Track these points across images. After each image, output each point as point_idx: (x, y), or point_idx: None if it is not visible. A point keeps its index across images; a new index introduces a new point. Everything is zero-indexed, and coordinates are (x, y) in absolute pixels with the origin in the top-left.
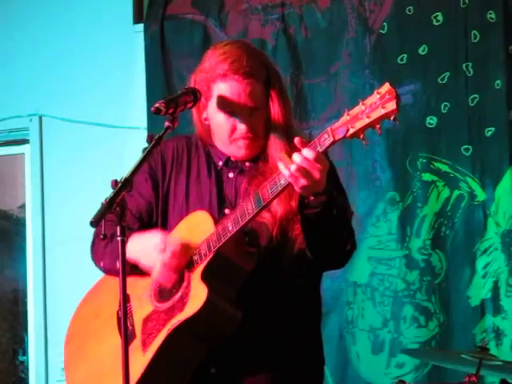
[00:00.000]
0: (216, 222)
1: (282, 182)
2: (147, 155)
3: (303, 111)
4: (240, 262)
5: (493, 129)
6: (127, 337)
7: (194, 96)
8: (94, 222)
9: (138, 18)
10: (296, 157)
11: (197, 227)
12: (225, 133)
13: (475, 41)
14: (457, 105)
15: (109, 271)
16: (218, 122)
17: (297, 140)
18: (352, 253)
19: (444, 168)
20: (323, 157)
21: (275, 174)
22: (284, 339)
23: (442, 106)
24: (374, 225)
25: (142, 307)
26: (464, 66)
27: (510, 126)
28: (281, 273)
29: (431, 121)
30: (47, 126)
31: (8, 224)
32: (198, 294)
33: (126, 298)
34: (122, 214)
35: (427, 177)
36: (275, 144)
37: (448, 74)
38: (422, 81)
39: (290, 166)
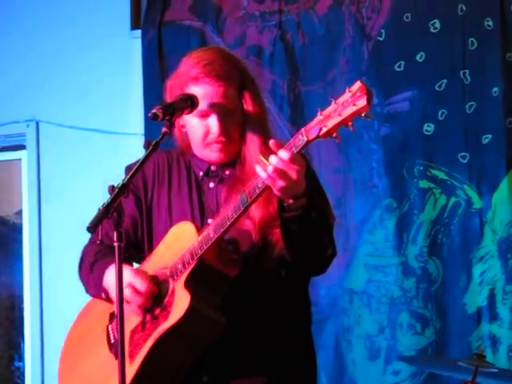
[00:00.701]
0: (199, 230)
1: (260, 185)
2: (145, 160)
3: (300, 118)
4: (223, 268)
5: (490, 136)
6: (123, 349)
7: (191, 102)
8: (91, 228)
9: (135, 24)
10: (272, 158)
11: (181, 237)
12: (199, 137)
13: (472, 48)
14: (454, 112)
15: (96, 297)
16: (192, 126)
17: (271, 142)
18: (332, 258)
19: (441, 175)
20: (299, 157)
21: (253, 178)
22: (274, 344)
23: (439, 114)
24: (371, 232)
25: (130, 320)
26: (461, 73)
27: (507, 134)
28: (264, 278)
29: (428, 128)
30: (44, 131)
31: (4, 230)
32: (181, 302)
33: (122, 307)
34: (119, 220)
35: (424, 184)
36: (251, 147)
37: (445, 81)
38: (419, 88)
39: (267, 167)
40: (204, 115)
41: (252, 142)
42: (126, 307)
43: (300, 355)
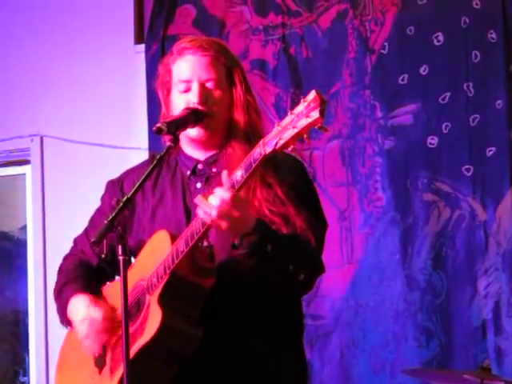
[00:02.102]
0: (174, 240)
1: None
2: (149, 174)
3: None
4: (197, 280)
5: (494, 149)
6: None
7: (195, 115)
8: (96, 242)
9: (139, 39)
10: (213, 200)
11: (157, 248)
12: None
13: (476, 61)
14: (458, 125)
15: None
16: (174, 103)
17: (223, 174)
18: (310, 281)
19: (445, 188)
20: (239, 195)
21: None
22: (261, 354)
23: (443, 126)
24: (375, 245)
25: (113, 334)
26: (465, 85)
27: (511, 146)
28: (246, 285)
29: (432, 141)
30: (48, 146)
31: (9, 245)
32: (154, 318)
33: (127, 325)
34: (124, 233)
35: (428, 197)
36: (238, 141)
37: (449, 93)
38: (422, 101)
39: (209, 211)
40: (186, 90)
41: (236, 143)
42: (85, 344)
43: (290, 365)
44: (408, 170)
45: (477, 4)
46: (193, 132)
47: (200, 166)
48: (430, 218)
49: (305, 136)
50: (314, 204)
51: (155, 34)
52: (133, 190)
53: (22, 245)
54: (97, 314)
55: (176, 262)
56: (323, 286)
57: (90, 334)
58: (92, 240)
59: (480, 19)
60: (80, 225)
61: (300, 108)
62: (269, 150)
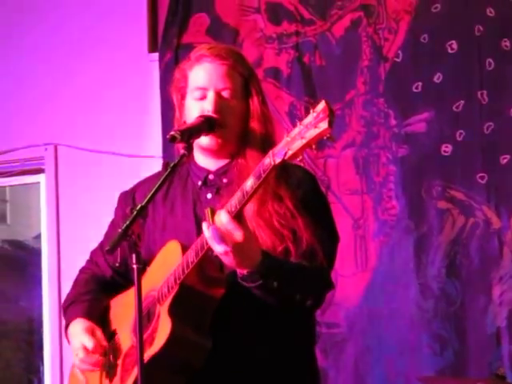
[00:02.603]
0: (185, 250)
1: (233, 209)
2: (163, 182)
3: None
4: (207, 290)
5: (508, 156)
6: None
7: (209, 124)
8: (110, 251)
9: (152, 47)
10: (217, 219)
11: (168, 258)
12: (193, 119)
13: (490, 69)
14: (472, 132)
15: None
16: (190, 110)
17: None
18: (318, 301)
19: (459, 196)
20: (237, 225)
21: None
22: (274, 363)
23: (457, 134)
24: (389, 253)
25: (125, 342)
26: (479, 93)
27: None
28: (256, 298)
29: (446, 149)
30: (62, 155)
31: (23, 254)
32: (163, 329)
33: (141, 334)
34: (138, 242)
35: (442, 205)
36: (251, 153)
37: (463, 101)
38: (436, 109)
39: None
40: (202, 97)
41: (252, 146)
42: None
43: (300, 377)
44: (422, 177)
45: (490, 12)
46: (205, 141)
47: (211, 177)
48: (444, 226)
49: (313, 146)
50: (325, 217)
51: (169, 42)
52: (147, 199)
53: (36, 254)
54: (90, 342)
55: (186, 272)
56: (338, 294)
57: (82, 363)
58: (106, 249)
59: (494, 27)
60: (94, 233)
61: (309, 119)
62: (278, 160)
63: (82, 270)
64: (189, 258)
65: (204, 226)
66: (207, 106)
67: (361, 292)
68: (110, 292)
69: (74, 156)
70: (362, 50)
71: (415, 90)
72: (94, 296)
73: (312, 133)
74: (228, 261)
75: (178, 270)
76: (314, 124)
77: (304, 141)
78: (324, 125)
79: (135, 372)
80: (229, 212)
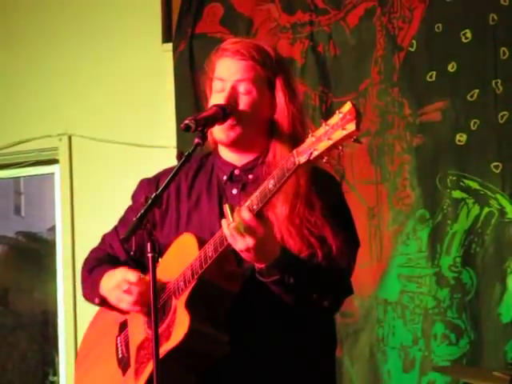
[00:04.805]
0: (201, 245)
1: (255, 207)
2: (177, 172)
3: None
4: (224, 285)
5: None
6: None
7: (223, 112)
8: (125, 239)
9: (166, 37)
10: (236, 216)
11: (183, 251)
12: None
13: (504, 57)
14: (486, 122)
15: (88, 301)
16: (210, 100)
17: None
18: (336, 305)
19: (474, 185)
20: (258, 222)
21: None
22: (287, 363)
23: (472, 123)
24: (404, 242)
25: (138, 334)
26: (493, 82)
27: None
28: (273, 294)
29: (461, 138)
30: (77, 145)
31: (38, 246)
32: (181, 323)
33: (157, 319)
34: (153, 230)
35: (457, 194)
36: (278, 150)
37: (477, 91)
38: (451, 98)
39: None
40: (221, 90)
41: (280, 142)
42: (123, 306)
43: (317, 377)
44: (437, 167)
45: (505, 1)
46: (219, 135)
47: (237, 172)
48: (459, 215)
49: (340, 148)
50: (350, 223)
51: (183, 32)
52: (161, 188)
53: (50, 246)
54: (134, 276)
55: (204, 267)
56: (353, 284)
57: (126, 296)
58: (121, 237)
59: (508, 16)
60: (108, 224)
61: (335, 119)
62: (303, 160)
63: (94, 250)
64: (207, 253)
65: (223, 222)
66: (222, 99)
67: (375, 282)
68: None
69: (88, 146)
70: (377, 39)
71: (429, 79)
72: (115, 264)
73: (339, 134)
74: (247, 256)
75: (195, 264)
76: (340, 125)
77: (330, 142)
78: (352, 127)
79: (151, 365)
80: (250, 210)
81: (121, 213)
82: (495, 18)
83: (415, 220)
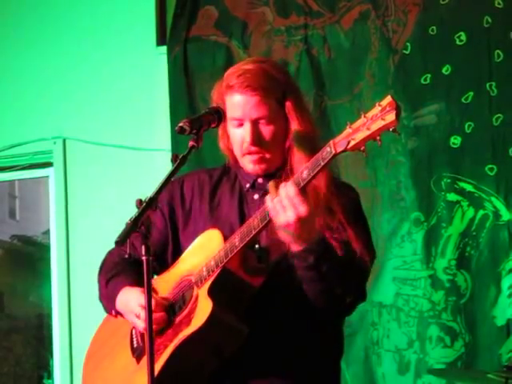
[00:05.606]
0: (226, 238)
1: (301, 183)
2: (172, 174)
3: (327, 131)
4: (247, 277)
5: None
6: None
7: (218, 115)
8: (119, 242)
9: (161, 40)
10: (281, 190)
11: (207, 245)
12: (237, 146)
13: (498, 60)
14: (481, 124)
15: (104, 307)
16: (231, 136)
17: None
18: (355, 304)
19: (468, 188)
20: (305, 200)
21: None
22: (299, 356)
23: (466, 126)
24: (399, 245)
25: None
26: (488, 85)
27: None
28: (294, 291)
29: (455, 141)
30: (71, 148)
31: (32, 250)
32: (203, 309)
33: (151, 323)
34: (147, 233)
35: (452, 197)
36: (297, 157)
37: (472, 93)
38: (445, 101)
39: (274, 199)
40: (239, 125)
41: (298, 152)
42: (139, 327)
43: (326, 373)
44: (431, 169)
45: (499, 3)
46: (249, 168)
47: (260, 180)
48: (454, 218)
49: (378, 138)
50: (369, 233)
51: (177, 35)
52: (155, 190)
53: (45, 249)
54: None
55: (229, 256)
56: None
57: (141, 322)
58: (116, 240)
59: (502, 19)
60: (103, 227)
61: (374, 111)
62: (340, 149)
63: (112, 252)
64: (234, 243)
65: (268, 198)
66: (246, 138)
67: (370, 284)
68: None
69: (83, 149)
70: (371, 42)
71: (424, 82)
72: (135, 272)
73: (378, 124)
74: (286, 235)
75: (219, 255)
76: (380, 116)
77: (368, 132)
78: (391, 117)
79: (167, 352)
80: (296, 184)
81: (115, 215)
82: (489, 20)
83: (410, 223)
